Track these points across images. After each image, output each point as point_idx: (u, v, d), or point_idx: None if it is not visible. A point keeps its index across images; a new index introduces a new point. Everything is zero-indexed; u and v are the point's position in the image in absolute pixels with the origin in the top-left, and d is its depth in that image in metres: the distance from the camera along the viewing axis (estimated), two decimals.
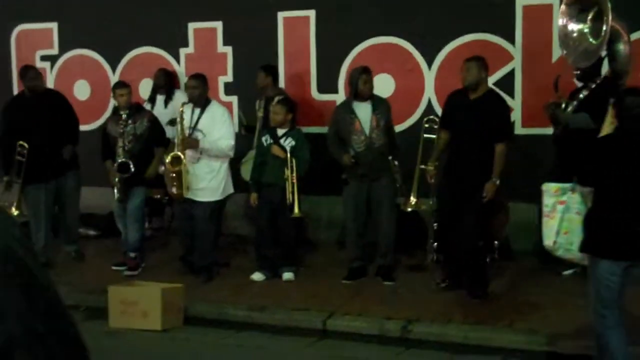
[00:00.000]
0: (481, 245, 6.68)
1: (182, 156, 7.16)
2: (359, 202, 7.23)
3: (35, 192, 7.89)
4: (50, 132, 7.82)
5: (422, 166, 6.89)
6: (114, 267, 7.82)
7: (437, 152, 6.86)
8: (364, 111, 7.17)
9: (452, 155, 6.82)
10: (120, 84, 7.98)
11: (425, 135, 7.18)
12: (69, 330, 1.26)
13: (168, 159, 7.20)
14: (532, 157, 8.08)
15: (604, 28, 6.47)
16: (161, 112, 8.88)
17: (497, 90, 7.06)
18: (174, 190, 7.36)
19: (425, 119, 7.30)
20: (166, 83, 9.28)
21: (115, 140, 7.64)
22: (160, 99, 9.25)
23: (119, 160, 7.51)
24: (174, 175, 7.25)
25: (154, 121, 7.82)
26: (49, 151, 7.78)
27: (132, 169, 7.49)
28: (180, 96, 9.01)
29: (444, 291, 6.76)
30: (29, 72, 8.05)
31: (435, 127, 7.09)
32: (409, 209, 7.10)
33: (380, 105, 7.27)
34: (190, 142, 7.23)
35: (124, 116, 7.66)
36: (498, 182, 6.52)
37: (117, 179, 7.57)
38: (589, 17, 6.74)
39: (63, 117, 8.05)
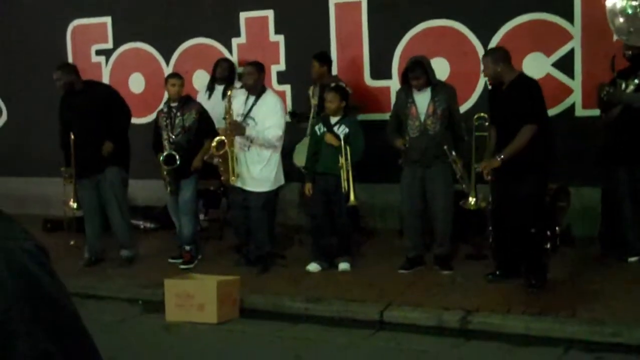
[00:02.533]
0: (535, 232, 6.47)
1: (225, 140, 7.12)
2: (413, 189, 7.10)
3: (80, 188, 7.90)
4: (89, 128, 7.69)
5: (476, 166, 6.71)
6: (170, 260, 7.86)
7: (489, 150, 6.64)
8: (422, 97, 7.03)
9: (497, 148, 6.61)
10: (173, 75, 8.03)
11: (477, 133, 6.93)
12: (82, 350, 1.22)
13: (213, 143, 7.18)
14: (594, 139, 7.81)
15: None
16: (220, 102, 8.83)
17: (527, 75, 6.78)
18: (223, 177, 7.35)
19: (476, 117, 7.01)
20: (230, 74, 9.20)
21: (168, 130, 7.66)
22: (219, 89, 9.18)
23: (165, 153, 7.52)
24: (221, 160, 7.23)
25: (203, 113, 7.78)
26: (88, 147, 7.66)
27: (178, 161, 7.45)
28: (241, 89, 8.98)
29: (500, 281, 6.58)
30: (63, 69, 7.96)
31: (486, 124, 6.88)
32: (471, 208, 6.90)
33: (441, 91, 7.07)
34: (238, 127, 7.17)
35: (173, 108, 7.67)
36: (500, 160, 6.30)
37: (165, 172, 7.57)
38: None
39: (105, 112, 7.79)
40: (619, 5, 6.54)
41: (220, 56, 9.74)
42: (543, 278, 6.43)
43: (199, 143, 7.68)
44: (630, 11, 6.50)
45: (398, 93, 7.37)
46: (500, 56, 6.52)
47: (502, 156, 6.31)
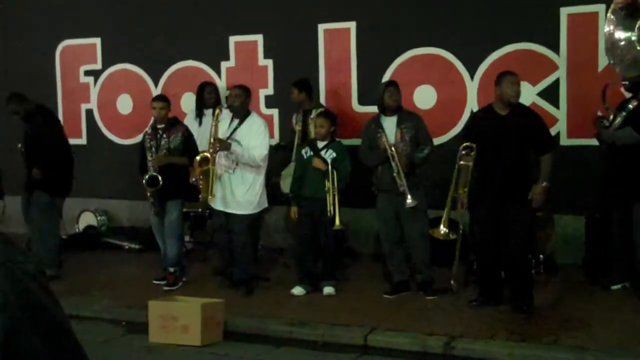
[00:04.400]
0: (529, 259, 6.53)
1: (209, 156, 7.13)
2: (388, 215, 7.13)
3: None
4: (26, 152, 8.16)
5: (456, 193, 6.72)
6: (155, 282, 7.83)
7: (466, 177, 6.66)
8: (389, 125, 7.08)
9: (484, 176, 6.61)
10: (158, 97, 8.02)
11: (462, 162, 6.74)
12: None
13: (197, 158, 7.19)
14: (578, 168, 7.91)
15: None
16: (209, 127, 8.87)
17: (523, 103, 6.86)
18: (202, 194, 7.35)
19: (462, 146, 6.79)
20: (215, 97, 9.22)
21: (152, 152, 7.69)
22: (208, 113, 9.18)
23: (148, 175, 7.54)
24: (202, 177, 7.23)
25: (188, 136, 7.79)
26: (27, 169, 8.12)
27: (161, 183, 7.46)
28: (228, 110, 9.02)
29: (483, 307, 6.61)
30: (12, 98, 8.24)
31: (472, 153, 6.68)
32: (440, 238, 6.92)
33: (407, 119, 7.12)
34: (223, 143, 7.19)
35: (159, 130, 7.70)
36: (548, 185, 6.36)
37: (149, 193, 7.59)
38: (638, 25, 6.57)
39: (34, 138, 8.11)
40: (617, 35, 6.62)
41: (208, 79, 9.79)
42: (531, 304, 6.45)
43: (183, 165, 7.68)
44: (624, 43, 6.59)
45: (367, 124, 7.39)
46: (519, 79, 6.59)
47: (546, 184, 6.35)
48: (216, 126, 7.24)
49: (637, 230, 6.79)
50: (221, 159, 7.26)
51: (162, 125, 7.73)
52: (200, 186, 7.37)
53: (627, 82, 6.89)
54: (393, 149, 6.89)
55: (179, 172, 7.65)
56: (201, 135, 8.40)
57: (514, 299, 6.53)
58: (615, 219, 7.04)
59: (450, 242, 7.97)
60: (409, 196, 6.84)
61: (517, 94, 6.46)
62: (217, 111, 7.34)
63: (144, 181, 7.55)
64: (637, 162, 6.69)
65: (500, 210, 6.39)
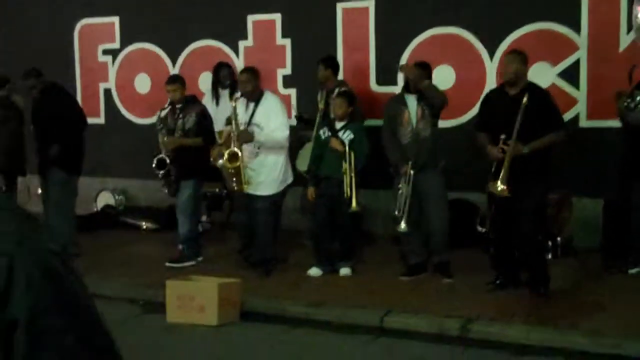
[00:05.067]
0: (540, 240, 6.48)
1: (239, 152, 7.12)
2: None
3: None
4: (37, 130, 8.07)
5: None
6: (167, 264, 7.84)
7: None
8: (412, 102, 7.05)
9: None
10: (170, 79, 7.99)
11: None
12: (105, 347, 1.30)
13: (225, 156, 7.16)
14: (597, 150, 7.84)
15: None
16: (227, 107, 8.85)
17: (536, 83, 6.76)
18: (235, 185, 7.34)
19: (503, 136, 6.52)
20: (229, 78, 9.22)
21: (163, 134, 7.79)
22: (224, 93, 9.19)
23: (158, 157, 7.59)
24: (233, 171, 7.22)
25: (202, 115, 7.79)
26: (40, 147, 8.02)
27: (168, 166, 7.60)
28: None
29: (502, 289, 6.59)
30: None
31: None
32: (496, 193, 6.39)
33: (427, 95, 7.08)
34: (246, 135, 7.19)
35: (177, 110, 7.72)
36: (526, 150, 6.22)
37: (160, 175, 7.68)
38: None
39: (52, 114, 7.96)
40: None
41: (226, 59, 9.77)
42: (547, 286, 6.43)
43: (198, 146, 7.70)
44: None
45: (389, 102, 7.38)
46: (525, 59, 6.51)
47: (526, 149, 6.23)
48: (235, 119, 7.19)
49: None
50: (244, 146, 7.25)
51: (180, 105, 7.74)
52: (233, 179, 7.33)
53: None
54: (412, 172, 6.87)
55: (193, 153, 7.67)
56: (219, 116, 8.41)
57: (530, 281, 6.50)
58: (633, 201, 6.97)
59: (468, 225, 7.99)
60: (404, 222, 6.88)
61: (511, 72, 6.39)
62: (233, 103, 7.29)
63: (153, 164, 7.62)
64: None
65: (514, 191, 6.32)
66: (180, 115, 7.71)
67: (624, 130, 7.11)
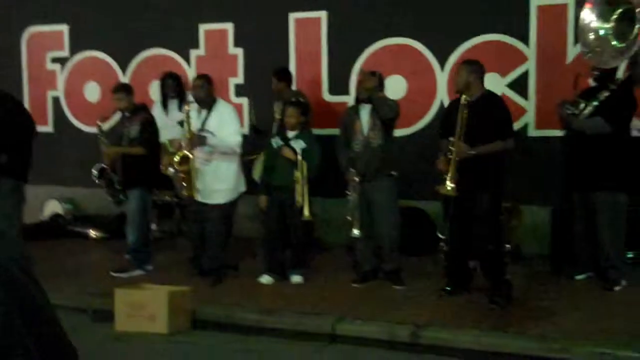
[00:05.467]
0: (494, 249, 6.55)
1: (190, 155, 7.09)
2: (360, 203, 7.13)
3: None
4: None
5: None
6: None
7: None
8: (365, 112, 7.09)
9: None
10: (115, 88, 7.89)
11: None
12: (57, 347, 1.37)
13: (176, 159, 7.14)
14: (546, 159, 7.97)
15: (636, 29, 6.40)
16: (176, 116, 8.80)
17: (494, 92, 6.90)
18: (184, 191, 7.30)
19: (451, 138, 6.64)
20: (176, 88, 9.13)
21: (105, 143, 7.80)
22: (173, 102, 9.13)
23: (100, 166, 7.63)
24: (183, 175, 7.18)
25: (145, 124, 7.69)
26: None
27: (108, 175, 7.67)
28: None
29: (451, 297, 6.65)
30: None
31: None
32: (445, 193, 6.38)
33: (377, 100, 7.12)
34: (198, 139, 7.15)
35: (126, 119, 7.70)
36: (471, 152, 6.30)
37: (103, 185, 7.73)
38: (613, 17, 6.64)
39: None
40: (592, 25, 6.68)
41: (177, 67, 9.71)
42: (508, 296, 6.44)
43: (143, 155, 7.62)
44: (602, 33, 6.66)
45: (345, 112, 7.46)
46: (475, 68, 6.60)
47: (472, 151, 6.30)
48: (188, 123, 7.16)
49: (598, 220, 6.86)
50: (196, 152, 7.20)
51: (127, 114, 7.70)
52: (183, 183, 7.28)
53: (596, 72, 6.95)
54: (357, 179, 6.95)
55: (138, 162, 7.60)
56: (169, 124, 8.35)
57: (488, 290, 6.55)
58: (576, 207, 7.11)
59: (418, 233, 8.06)
60: (357, 229, 6.94)
61: (459, 82, 6.56)
62: (186, 107, 7.27)
63: (93, 174, 7.68)
64: (601, 152, 6.75)
65: (467, 199, 6.41)
66: (127, 124, 7.67)
67: (565, 140, 7.25)
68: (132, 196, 7.68)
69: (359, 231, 6.95)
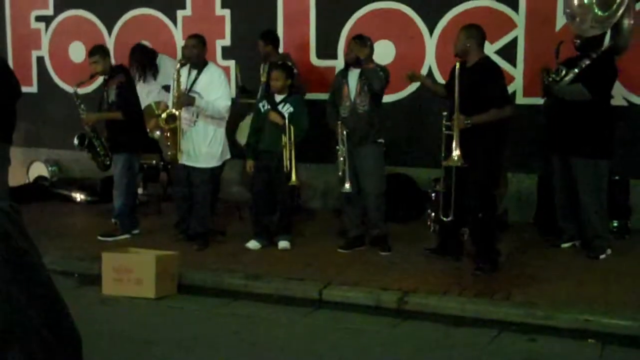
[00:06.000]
0: (481, 217, 6.59)
1: (177, 114, 7.04)
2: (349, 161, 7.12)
3: None
4: None
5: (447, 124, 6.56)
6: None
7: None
8: (353, 77, 7.06)
9: (451, 130, 6.66)
10: (91, 52, 7.76)
11: (446, 132, 6.59)
12: (63, 322, 1.29)
13: (163, 116, 7.08)
14: (533, 127, 7.97)
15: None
16: (152, 84, 8.76)
17: (492, 59, 6.88)
18: (169, 152, 7.26)
19: (445, 113, 6.68)
20: (143, 61, 8.93)
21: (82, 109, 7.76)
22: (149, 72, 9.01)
23: (79, 133, 7.70)
24: (168, 134, 7.13)
25: (122, 87, 7.58)
26: None
27: (87, 142, 7.72)
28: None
29: (441, 261, 6.72)
30: None
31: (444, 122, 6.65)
32: (453, 164, 6.47)
33: (366, 72, 7.08)
34: (186, 98, 7.09)
35: (105, 83, 7.66)
36: (468, 122, 6.31)
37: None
38: None
39: None
40: None
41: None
42: (494, 263, 6.52)
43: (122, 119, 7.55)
44: (585, 0, 6.67)
45: (335, 76, 7.39)
46: (474, 34, 6.56)
47: (469, 121, 6.30)
48: (178, 81, 7.10)
49: (579, 187, 6.90)
50: (182, 112, 7.15)
51: (105, 77, 7.64)
52: (168, 143, 7.24)
53: (577, 41, 6.96)
54: (345, 132, 6.89)
55: (120, 126, 7.53)
56: (144, 90, 8.35)
57: (475, 256, 6.62)
58: (555, 171, 7.14)
59: (405, 200, 8.10)
60: (348, 182, 6.91)
61: (457, 47, 6.57)
62: (177, 66, 7.20)
63: (74, 144, 7.72)
64: (580, 118, 6.78)
65: (465, 169, 6.43)
66: (105, 88, 7.61)
67: (546, 107, 7.27)
68: (118, 160, 7.63)
69: (349, 185, 6.93)
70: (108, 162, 7.76)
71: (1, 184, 7.91)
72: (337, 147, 7.03)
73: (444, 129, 6.53)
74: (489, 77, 6.44)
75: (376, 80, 6.88)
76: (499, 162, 6.63)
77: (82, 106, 7.69)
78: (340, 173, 6.99)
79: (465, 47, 6.50)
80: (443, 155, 6.54)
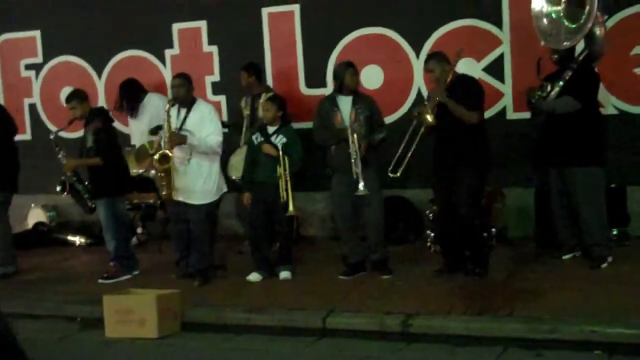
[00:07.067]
0: (477, 224, 6.74)
1: (170, 154, 7.04)
2: (343, 196, 7.12)
3: None
4: None
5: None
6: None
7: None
8: (345, 105, 7.07)
9: (436, 143, 6.83)
10: (67, 98, 7.81)
11: None
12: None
13: (156, 157, 7.08)
14: (525, 141, 7.99)
15: (587, 10, 6.57)
16: (143, 121, 8.84)
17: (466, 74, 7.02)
18: (163, 192, 7.26)
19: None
20: (133, 96, 9.13)
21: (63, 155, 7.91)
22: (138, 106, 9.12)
23: (60, 179, 7.80)
24: (163, 174, 7.14)
25: (98, 132, 7.58)
26: None
27: (67, 188, 7.84)
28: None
29: (443, 281, 6.72)
30: None
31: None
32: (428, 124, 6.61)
33: (360, 100, 7.11)
34: (178, 137, 7.10)
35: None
36: (445, 100, 6.51)
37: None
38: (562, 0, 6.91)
39: None
40: (544, 10, 6.88)
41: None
42: (486, 267, 6.72)
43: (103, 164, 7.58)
44: (554, 16, 6.84)
45: (320, 103, 7.31)
46: (443, 57, 6.71)
47: (447, 100, 6.50)
48: (168, 121, 7.12)
49: (576, 197, 6.92)
50: (175, 151, 7.16)
51: (84, 122, 7.71)
52: (163, 182, 7.24)
53: (555, 56, 7.07)
54: (355, 135, 6.88)
55: (99, 172, 7.55)
56: (135, 127, 8.39)
57: (470, 263, 6.70)
58: (551, 185, 7.17)
59: (403, 222, 8.11)
60: (361, 183, 6.84)
61: (437, 76, 6.69)
62: (167, 106, 7.22)
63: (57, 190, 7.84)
64: (571, 128, 6.84)
65: (451, 176, 6.59)
66: (85, 133, 7.64)
67: (536, 123, 7.34)
68: (100, 206, 7.65)
69: (363, 185, 6.85)
70: (93, 206, 7.77)
71: (9, 235, 8.00)
72: (350, 151, 6.87)
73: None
74: (467, 87, 6.66)
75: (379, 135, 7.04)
76: (484, 169, 6.77)
77: (62, 152, 7.73)
78: (354, 175, 6.87)
79: (444, 71, 6.63)
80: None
